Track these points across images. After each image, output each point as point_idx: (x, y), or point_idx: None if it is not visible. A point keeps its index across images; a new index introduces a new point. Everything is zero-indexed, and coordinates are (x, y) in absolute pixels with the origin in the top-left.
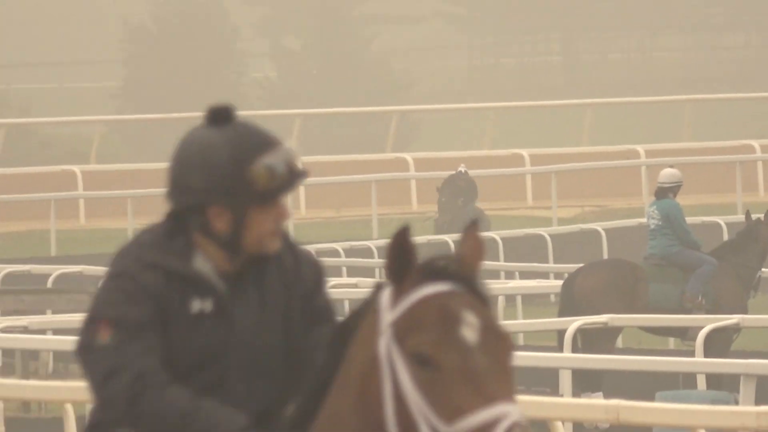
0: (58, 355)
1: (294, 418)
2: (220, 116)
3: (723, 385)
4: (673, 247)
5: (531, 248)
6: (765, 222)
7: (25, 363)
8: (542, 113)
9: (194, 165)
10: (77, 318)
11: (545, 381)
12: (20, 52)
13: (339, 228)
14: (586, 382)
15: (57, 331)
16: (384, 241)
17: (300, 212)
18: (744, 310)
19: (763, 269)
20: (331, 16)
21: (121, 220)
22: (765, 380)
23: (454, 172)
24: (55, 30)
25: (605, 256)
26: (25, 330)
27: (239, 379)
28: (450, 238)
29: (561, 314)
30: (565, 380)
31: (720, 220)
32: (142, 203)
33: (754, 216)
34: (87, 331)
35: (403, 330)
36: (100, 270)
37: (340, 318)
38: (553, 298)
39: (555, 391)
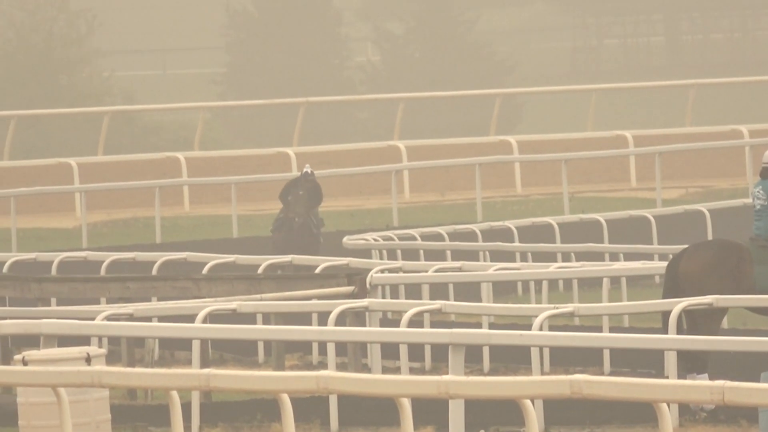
0: (164, 343)
1: None
2: None
3: None
4: None
5: (635, 230)
6: None
7: (131, 350)
8: (645, 94)
9: None
10: (182, 305)
11: (651, 363)
12: (123, 39)
13: (443, 212)
14: (691, 363)
15: (162, 318)
16: (488, 225)
17: (404, 196)
18: None
19: None
20: (433, 0)
21: (225, 207)
22: None
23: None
24: (158, 16)
25: (710, 237)
26: (130, 317)
27: None
28: None
29: (665, 296)
30: (671, 362)
31: None
32: (246, 189)
33: None
34: None
35: None
36: (204, 256)
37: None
38: (657, 279)
39: (660, 372)
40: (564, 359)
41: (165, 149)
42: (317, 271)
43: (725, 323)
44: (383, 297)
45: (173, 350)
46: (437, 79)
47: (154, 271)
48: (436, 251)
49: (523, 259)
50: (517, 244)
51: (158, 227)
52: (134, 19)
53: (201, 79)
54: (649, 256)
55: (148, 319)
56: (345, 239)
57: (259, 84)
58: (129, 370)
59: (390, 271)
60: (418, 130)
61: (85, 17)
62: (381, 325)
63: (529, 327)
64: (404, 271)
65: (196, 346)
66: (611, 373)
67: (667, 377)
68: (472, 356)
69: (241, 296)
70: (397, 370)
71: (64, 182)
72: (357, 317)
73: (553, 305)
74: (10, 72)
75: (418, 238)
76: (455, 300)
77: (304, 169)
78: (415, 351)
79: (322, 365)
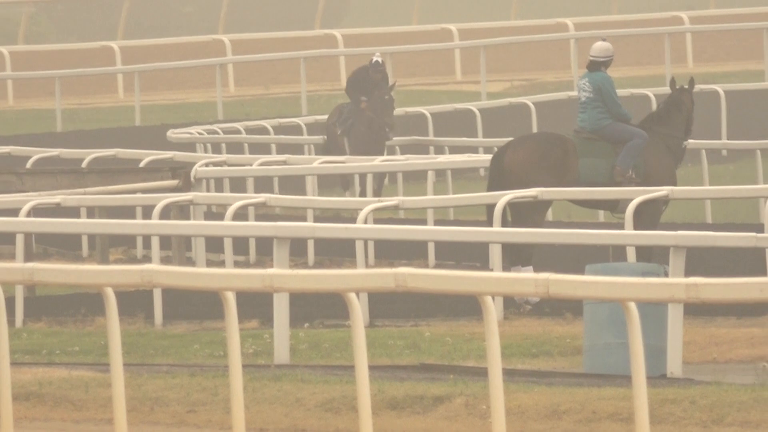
0: None
1: None
2: None
3: (653, 257)
4: (604, 120)
5: (460, 123)
6: (689, 90)
7: None
8: None
9: None
10: (5, 199)
11: (475, 256)
12: None
13: (268, 105)
14: (516, 256)
15: None
16: (313, 118)
17: (229, 90)
18: (673, 182)
19: (690, 140)
20: None
21: (49, 101)
22: (694, 251)
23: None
24: None
25: (534, 129)
26: None
27: None
28: None
29: (490, 188)
30: (495, 255)
31: (649, 92)
32: (70, 83)
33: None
34: None
35: None
36: (28, 150)
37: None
38: (482, 172)
39: (485, 265)
40: (389, 252)
41: None
42: (141, 164)
43: (550, 215)
44: (208, 191)
45: None
46: None
47: None
48: (260, 145)
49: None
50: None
51: None
52: None
53: None
54: (473, 149)
55: None
56: (169, 133)
57: None
58: None
59: (214, 164)
60: (243, 24)
61: None
62: (205, 219)
63: (353, 220)
64: (229, 165)
65: (19, 240)
66: (436, 266)
67: (492, 270)
68: (297, 249)
69: (65, 190)
70: (221, 264)
71: None
72: (181, 211)
73: (377, 198)
74: None
75: (243, 132)
76: (280, 193)
77: (374, 59)
78: (240, 244)
79: (147, 259)
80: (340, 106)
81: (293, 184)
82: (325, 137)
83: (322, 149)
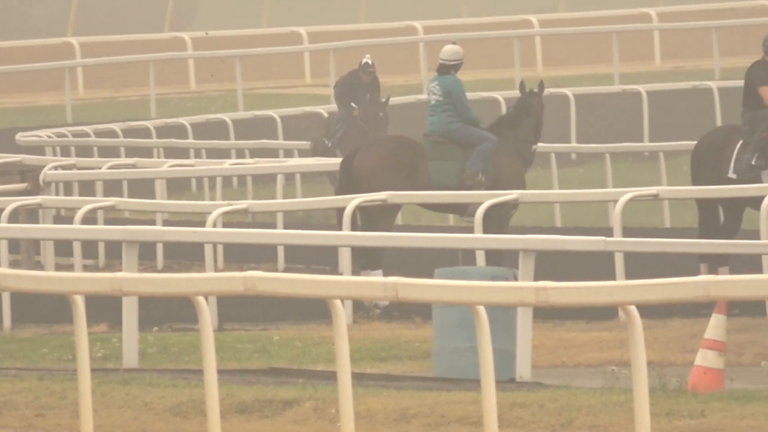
0: None
1: None
2: None
3: (502, 261)
4: (454, 124)
5: (309, 126)
6: (538, 94)
7: None
8: None
9: None
10: None
11: (325, 259)
12: None
13: (117, 108)
14: (365, 259)
15: None
16: (162, 121)
17: (78, 93)
18: (522, 186)
19: (539, 144)
20: None
21: None
22: (544, 255)
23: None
24: None
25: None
26: None
27: None
28: None
29: (340, 192)
30: (345, 258)
31: (499, 95)
32: None
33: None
34: None
35: None
36: None
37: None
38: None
39: (335, 269)
40: (238, 256)
41: None
42: None
43: (399, 219)
44: (57, 194)
45: None
46: None
47: None
48: (110, 148)
49: (198, 155)
50: (191, 140)
51: None
52: None
53: None
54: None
55: None
56: (18, 136)
57: None
58: None
59: (63, 167)
60: (93, 27)
61: None
62: (54, 222)
63: (203, 224)
64: (78, 168)
65: None
66: (285, 270)
67: (341, 274)
68: (146, 253)
69: None
70: (70, 267)
71: None
72: (30, 214)
73: (226, 201)
74: None
75: (92, 135)
76: (129, 197)
77: (364, 60)
78: (89, 248)
79: None
80: (325, 121)
81: (142, 187)
82: (312, 146)
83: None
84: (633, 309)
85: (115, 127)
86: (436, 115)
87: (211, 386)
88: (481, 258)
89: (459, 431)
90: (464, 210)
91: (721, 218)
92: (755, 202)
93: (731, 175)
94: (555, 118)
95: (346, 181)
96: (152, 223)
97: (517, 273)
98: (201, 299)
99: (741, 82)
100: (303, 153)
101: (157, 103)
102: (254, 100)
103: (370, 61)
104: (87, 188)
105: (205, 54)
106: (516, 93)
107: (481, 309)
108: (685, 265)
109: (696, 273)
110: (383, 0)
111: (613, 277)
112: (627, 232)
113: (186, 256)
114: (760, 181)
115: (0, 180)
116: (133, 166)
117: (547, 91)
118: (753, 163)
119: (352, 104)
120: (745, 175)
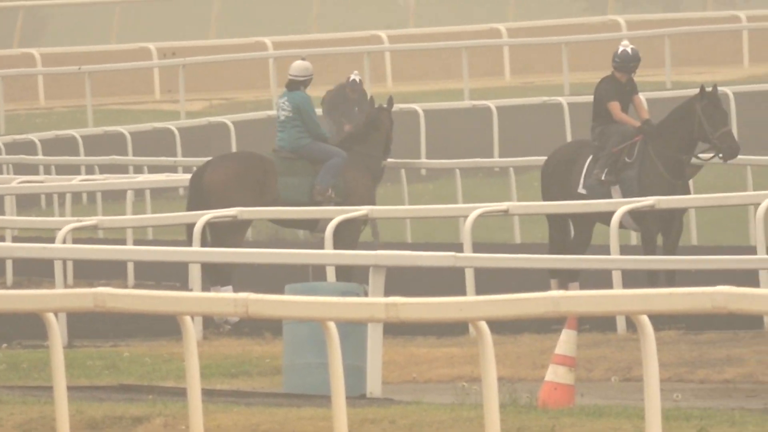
0: None
1: None
2: None
3: (353, 277)
4: (303, 140)
5: (159, 142)
6: (387, 109)
7: None
8: (167, 6)
9: None
10: None
11: (174, 275)
12: None
13: None
14: (215, 275)
15: None
16: (11, 138)
17: None
18: (373, 201)
19: (389, 159)
20: None
21: None
22: (394, 271)
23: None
24: None
25: (234, 149)
26: None
27: None
28: None
29: (190, 208)
30: (195, 274)
31: None
32: None
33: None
34: None
35: None
36: None
37: None
38: (181, 191)
39: (185, 285)
40: (88, 272)
41: None
42: None
43: (250, 235)
44: None
45: None
46: None
47: None
48: None
49: (47, 172)
50: (40, 156)
51: None
52: None
53: None
54: (173, 169)
55: None
56: None
57: None
58: None
59: None
60: None
61: None
62: None
63: (52, 240)
64: None
65: None
66: (135, 286)
67: (191, 290)
68: None
69: None
70: None
71: None
72: None
73: (76, 218)
74: None
75: None
76: None
77: (351, 77)
78: None
79: None
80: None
81: None
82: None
83: None
84: (483, 324)
85: None
86: (285, 131)
87: (60, 403)
88: (331, 274)
89: None
90: (314, 226)
91: (572, 233)
92: (605, 217)
93: (581, 190)
94: (405, 133)
95: (195, 197)
96: (2, 239)
97: (368, 289)
98: (50, 316)
99: (590, 98)
100: (153, 169)
101: (6, 119)
102: (104, 116)
103: (357, 79)
104: None
105: (55, 70)
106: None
107: (332, 325)
108: (536, 280)
109: (546, 288)
110: (233, 16)
111: (463, 293)
112: (477, 247)
113: (36, 272)
114: (610, 197)
115: None
116: None
117: (397, 106)
118: (602, 178)
119: (343, 120)
120: (595, 190)
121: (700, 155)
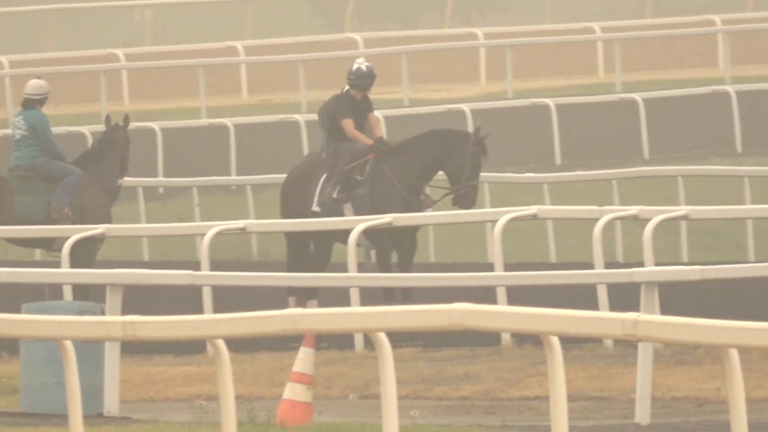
0: None
1: None
2: None
3: (90, 296)
4: (39, 158)
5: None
6: (123, 128)
7: None
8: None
9: None
10: None
11: None
12: None
13: None
14: None
15: None
16: None
17: None
18: (109, 220)
19: (126, 178)
20: None
21: None
22: (131, 290)
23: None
24: None
25: None
26: None
27: None
28: None
29: None
30: None
31: (85, 129)
32: None
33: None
34: None
35: None
36: None
37: None
38: None
39: None
40: None
41: None
42: None
43: None
44: None
45: None
46: None
47: None
48: None
49: None
50: None
51: None
52: None
53: None
54: None
55: None
56: None
57: None
58: None
59: None
60: None
61: None
62: None
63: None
64: None
65: None
66: None
67: None
68: None
69: None
70: None
71: None
72: None
73: None
74: None
75: None
76: None
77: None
78: None
79: None
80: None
81: None
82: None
83: None
84: (221, 343)
85: None
86: (21, 150)
87: None
88: (68, 293)
89: None
90: (51, 244)
91: (312, 250)
92: (342, 235)
93: (315, 208)
94: (142, 151)
95: None
96: None
97: (105, 307)
98: None
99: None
100: None
101: None
102: None
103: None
104: None
105: None
106: (103, 127)
107: (69, 344)
108: (274, 298)
109: (285, 306)
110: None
111: (201, 311)
112: (215, 265)
113: None
114: (343, 214)
115: None
116: None
117: (134, 124)
118: (335, 196)
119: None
120: (328, 208)
121: (435, 187)
